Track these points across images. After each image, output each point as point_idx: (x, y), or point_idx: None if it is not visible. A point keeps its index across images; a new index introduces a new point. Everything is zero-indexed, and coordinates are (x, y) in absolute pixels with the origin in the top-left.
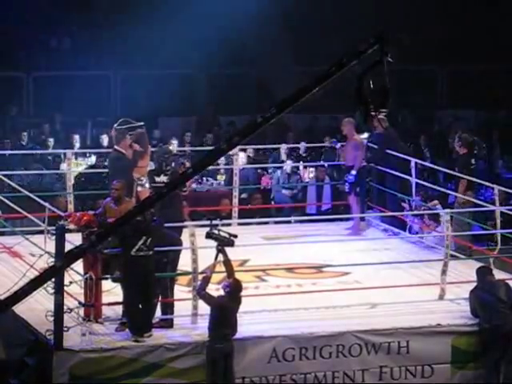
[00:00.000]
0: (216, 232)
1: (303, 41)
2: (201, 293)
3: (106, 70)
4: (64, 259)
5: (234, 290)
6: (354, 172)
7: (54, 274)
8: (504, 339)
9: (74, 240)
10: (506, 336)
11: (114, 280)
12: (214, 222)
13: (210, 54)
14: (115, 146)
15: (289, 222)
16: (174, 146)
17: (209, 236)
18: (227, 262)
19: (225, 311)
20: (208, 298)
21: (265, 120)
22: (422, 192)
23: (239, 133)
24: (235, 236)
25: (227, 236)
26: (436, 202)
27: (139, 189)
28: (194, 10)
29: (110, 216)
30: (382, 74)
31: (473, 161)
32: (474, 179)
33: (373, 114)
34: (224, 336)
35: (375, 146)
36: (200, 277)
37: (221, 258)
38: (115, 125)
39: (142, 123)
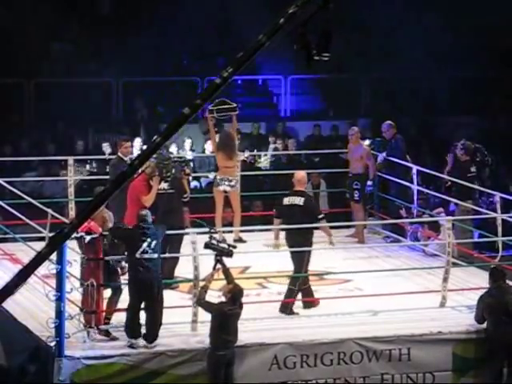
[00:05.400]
0: (214, 243)
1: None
2: (200, 302)
3: (107, 76)
4: (48, 245)
5: (235, 296)
6: (370, 182)
7: (40, 261)
8: (508, 348)
9: (75, 247)
10: (510, 344)
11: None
12: (213, 230)
13: (212, 60)
14: (118, 153)
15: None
16: (174, 152)
17: (207, 246)
18: (226, 272)
19: (226, 318)
20: (208, 306)
21: (223, 80)
22: (424, 199)
23: (201, 96)
24: (234, 247)
25: (226, 247)
26: (441, 209)
27: (227, 189)
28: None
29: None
30: (325, 19)
31: (473, 168)
32: (473, 185)
33: (316, 58)
34: (225, 343)
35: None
36: (201, 284)
37: (219, 267)
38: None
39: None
